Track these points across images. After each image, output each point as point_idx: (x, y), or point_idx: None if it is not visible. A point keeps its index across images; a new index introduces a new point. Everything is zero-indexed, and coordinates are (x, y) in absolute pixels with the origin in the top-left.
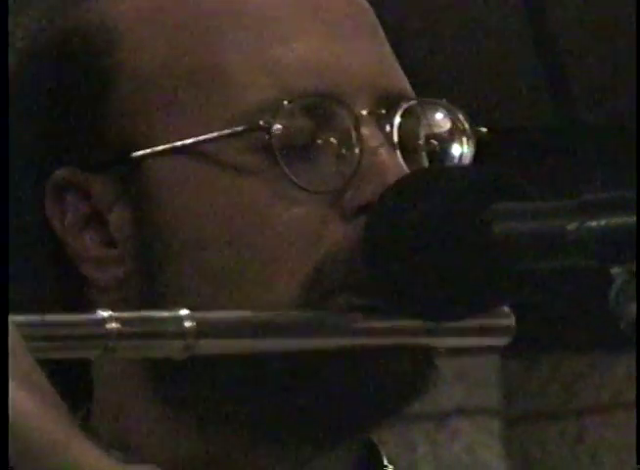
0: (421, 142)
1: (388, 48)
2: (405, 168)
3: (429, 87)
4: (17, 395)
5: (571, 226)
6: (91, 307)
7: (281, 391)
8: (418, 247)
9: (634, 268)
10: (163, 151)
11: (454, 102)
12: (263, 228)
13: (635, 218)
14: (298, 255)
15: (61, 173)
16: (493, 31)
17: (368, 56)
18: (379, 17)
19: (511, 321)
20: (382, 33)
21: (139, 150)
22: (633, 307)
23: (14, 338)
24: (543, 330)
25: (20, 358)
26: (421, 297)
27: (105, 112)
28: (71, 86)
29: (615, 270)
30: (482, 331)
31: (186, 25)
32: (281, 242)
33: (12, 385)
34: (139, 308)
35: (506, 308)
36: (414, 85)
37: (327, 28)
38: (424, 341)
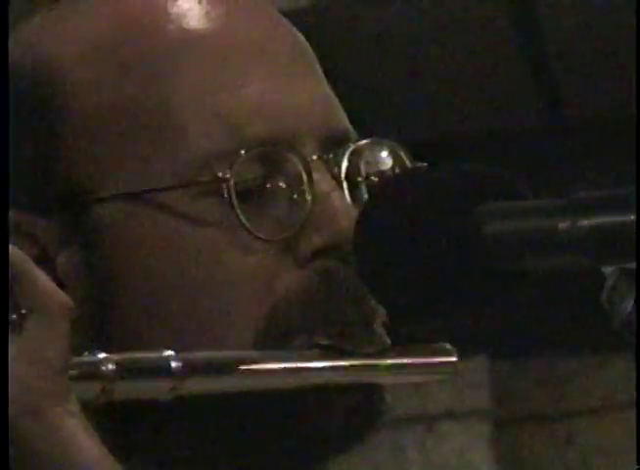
0: (361, 179)
1: (328, 87)
2: (355, 212)
3: (415, 90)
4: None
5: (563, 225)
6: None
7: (236, 429)
8: (407, 249)
9: (627, 267)
10: (112, 197)
11: (442, 106)
12: (217, 276)
13: (629, 217)
14: (252, 301)
15: (9, 216)
16: (480, 33)
17: (314, 97)
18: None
19: (453, 357)
20: (321, 72)
21: (87, 194)
22: (626, 307)
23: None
24: (533, 331)
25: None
26: (411, 299)
27: (52, 153)
28: (21, 125)
29: (607, 269)
30: (428, 368)
31: (133, 67)
32: (234, 289)
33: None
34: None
35: (448, 345)
36: (402, 89)
37: (274, 71)
38: (375, 378)
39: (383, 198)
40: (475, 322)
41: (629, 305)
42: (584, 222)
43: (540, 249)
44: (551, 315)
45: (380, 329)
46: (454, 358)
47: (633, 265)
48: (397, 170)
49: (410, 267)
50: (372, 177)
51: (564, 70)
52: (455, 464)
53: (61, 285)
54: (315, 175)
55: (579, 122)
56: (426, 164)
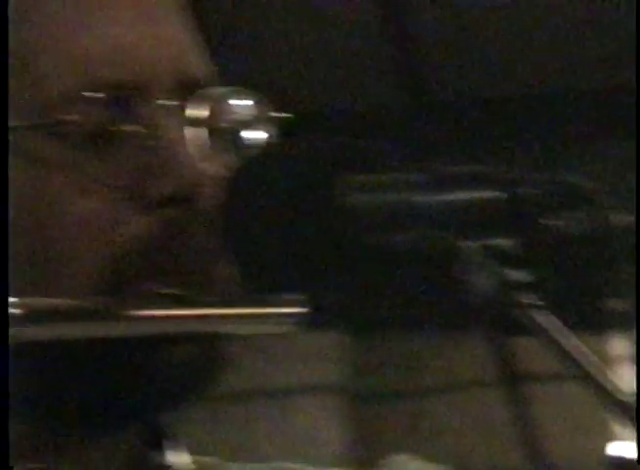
0: (218, 127)
1: (189, 32)
2: (201, 161)
3: (277, 71)
4: None
5: (421, 199)
6: None
7: (71, 378)
8: (267, 220)
9: (489, 244)
10: None
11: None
12: (60, 221)
13: (488, 193)
14: (93, 247)
15: None
16: (342, 14)
17: (169, 42)
18: None
19: (302, 308)
20: (184, 17)
21: None
22: (488, 285)
23: None
24: (388, 307)
25: None
26: (272, 271)
27: None
28: None
29: (463, 244)
30: (276, 318)
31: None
32: (75, 234)
33: None
34: None
35: (299, 296)
36: (268, 68)
37: (130, 14)
38: (219, 327)
39: (251, 166)
40: (330, 295)
41: (491, 284)
42: (443, 197)
43: (399, 223)
44: (407, 291)
45: (224, 279)
46: (304, 309)
47: (494, 242)
48: (258, 120)
49: (269, 241)
50: (228, 125)
51: (424, 50)
52: (306, 439)
53: None
54: (163, 122)
55: (440, 100)
56: (289, 115)
